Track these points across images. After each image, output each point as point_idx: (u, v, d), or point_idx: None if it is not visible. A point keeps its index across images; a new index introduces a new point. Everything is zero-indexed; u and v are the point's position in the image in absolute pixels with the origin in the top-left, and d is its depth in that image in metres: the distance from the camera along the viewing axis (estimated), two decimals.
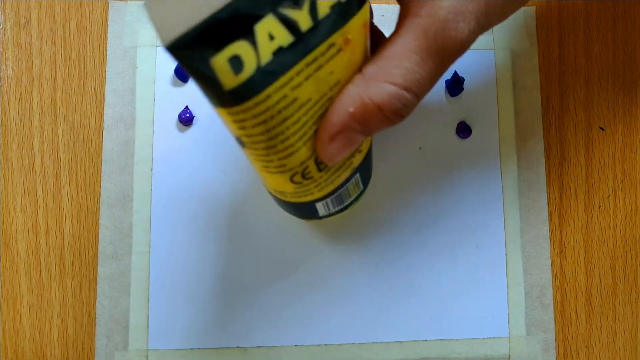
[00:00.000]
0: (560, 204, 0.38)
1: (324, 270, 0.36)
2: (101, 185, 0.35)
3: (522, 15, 0.39)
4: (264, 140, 0.22)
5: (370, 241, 0.36)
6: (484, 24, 0.22)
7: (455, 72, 0.37)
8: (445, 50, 0.21)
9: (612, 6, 0.40)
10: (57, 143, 0.36)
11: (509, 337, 0.36)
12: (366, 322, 0.36)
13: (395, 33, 0.22)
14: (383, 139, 0.37)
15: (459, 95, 0.38)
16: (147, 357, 0.34)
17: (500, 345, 0.36)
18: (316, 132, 0.22)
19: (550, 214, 0.38)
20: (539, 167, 0.38)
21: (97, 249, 0.35)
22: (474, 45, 0.38)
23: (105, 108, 0.36)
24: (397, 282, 0.36)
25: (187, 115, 0.36)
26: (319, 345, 0.35)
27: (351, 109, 0.21)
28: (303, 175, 0.24)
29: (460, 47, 0.22)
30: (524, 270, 0.37)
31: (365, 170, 0.30)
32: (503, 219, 0.37)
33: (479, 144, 0.38)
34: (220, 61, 0.19)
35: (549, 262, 0.37)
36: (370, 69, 0.21)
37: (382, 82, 0.21)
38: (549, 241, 0.37)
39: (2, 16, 0.36)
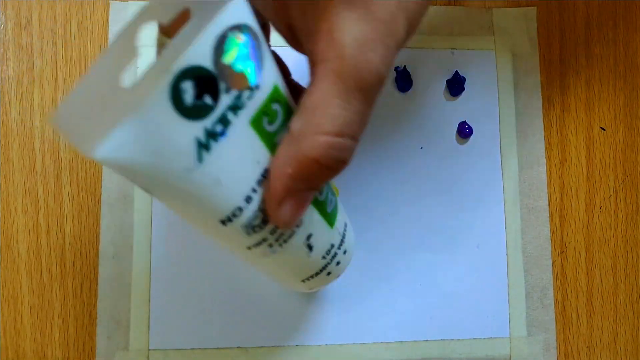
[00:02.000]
0: (562, 204, 0.38)
1: None
2: (102, 185, 0.35)
3: (523, 16, 0.39)
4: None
5: (371, 241, 0.36)
6: (391, 45, 0.21)
7: (456, 71, 0.37)
8: (364, 85, 0.20)
9: (612, 6, 0.40)
10: (58, 143, 0.36)
11: (509, 337, 0.36)
12: (366, 322, 0.36)
13: (311, 84, 0.21)
14: (385, 140, 0.37)
15: (460, 95, 0.38)
16: (147, 357, 0.34)
17: (501, 345, 0.36)
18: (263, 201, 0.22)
19: (551, 215, 0.38)
20: (540, 167, 0.38)
21: (97, 249, 0.35)
22: (475, 46, 0.38)
23: None
24: (397, 282, 0.36)
25: None
26: (319, 345, 0.35)
27: (289, 170, 0.21)
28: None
29: (377, 76, 0.21)
30: (524, 270, 0.37)
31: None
32: (504, 219, 0.37)
33: (480, 144, 0.37)
34: None
35: (550, 262, 0.37)
36: (296, 125, 0.21)
37: (312, 135, 0.20)
38: (550, 241, 0.37)
39: (3, 17, 0.36)
